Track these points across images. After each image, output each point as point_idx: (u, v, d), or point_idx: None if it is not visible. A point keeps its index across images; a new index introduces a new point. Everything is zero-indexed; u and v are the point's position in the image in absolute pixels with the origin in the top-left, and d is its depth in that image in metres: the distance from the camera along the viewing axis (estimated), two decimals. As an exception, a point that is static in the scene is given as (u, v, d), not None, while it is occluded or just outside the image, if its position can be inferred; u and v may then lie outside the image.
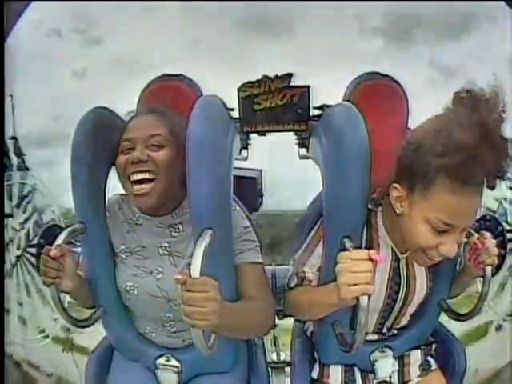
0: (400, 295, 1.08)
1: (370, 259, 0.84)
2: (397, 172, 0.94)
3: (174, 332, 1.11)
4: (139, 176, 1.00)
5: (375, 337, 1.15)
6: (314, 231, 1.09)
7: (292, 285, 1.11)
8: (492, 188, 0.85)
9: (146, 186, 1.00)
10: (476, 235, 1.01)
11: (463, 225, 0.89)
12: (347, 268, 0.85)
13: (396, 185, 0.94)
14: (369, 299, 0.85)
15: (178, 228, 1.08)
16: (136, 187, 1.00)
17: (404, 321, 1.16)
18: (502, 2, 1.27)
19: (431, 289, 1.11)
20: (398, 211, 0.95)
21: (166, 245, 1.08)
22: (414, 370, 1.18)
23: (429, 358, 1.20)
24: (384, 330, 1.16)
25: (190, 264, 0.83)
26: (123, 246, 1.11)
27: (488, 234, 1.00)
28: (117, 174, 1.06)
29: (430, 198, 0.87)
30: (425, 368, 1.19)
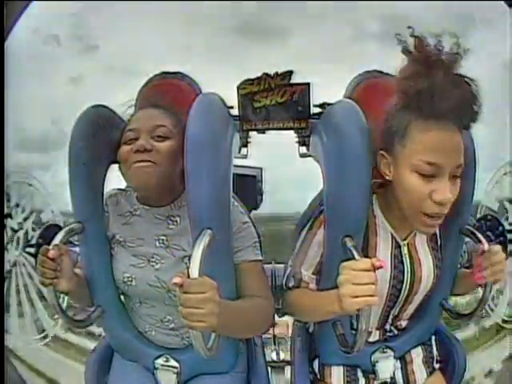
0: (405, 284, 1.05)
1: (373, 267, 0.83)
2: (380, 141, 0.95)
3: (173, 329, 1.10)
4: (142, 164, 0.99)
5: (376, 336, 1.13)
6: (308, 227, 1.07)
7: (290, 285, 1.09)
8: (466, 128, 0.88)
9: (147, 166, 0.98)
10: (486, 245, 0.99)
11: (448, 164, 0.87)
12: (349, 280, 0.83)
13: (382, 151, 0.95)
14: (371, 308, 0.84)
15: (176, 221, 1.07)
16: (137, 166, 0.99)
17: (411, 310, 1.12)
18: (502, 1, 1.26)
19: (435, 284, 1.09)
20: (388, 177, 0.95)
21: (164, 238, 1.07)
22: (417, 368, 1.15)
23: (432, 351, 1.18)
24: (387, 326, 1.13)
25: (189, 258, 0.81)
26: (120, 236, 1.10)
27: (500, 251, 0.98)
28: (118, 165, 1.05)
29: (409, 144, 0.89)
30: (429, 365, 1.16)
